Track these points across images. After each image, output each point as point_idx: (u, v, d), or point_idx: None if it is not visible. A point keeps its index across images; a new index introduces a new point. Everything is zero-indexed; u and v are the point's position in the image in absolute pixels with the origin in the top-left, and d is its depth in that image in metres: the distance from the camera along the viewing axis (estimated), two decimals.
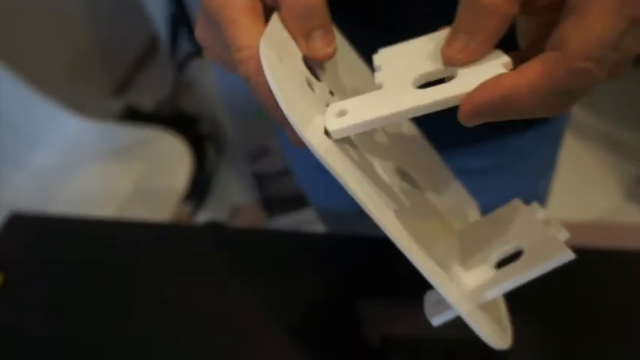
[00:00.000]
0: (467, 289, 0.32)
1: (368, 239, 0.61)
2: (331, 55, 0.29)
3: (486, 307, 0.32)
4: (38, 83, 1.24)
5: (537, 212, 0.35)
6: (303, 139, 0.25)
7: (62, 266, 0.64)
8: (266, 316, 0.56)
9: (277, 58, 0.26)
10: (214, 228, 0.68)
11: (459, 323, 0.31)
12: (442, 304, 0.32)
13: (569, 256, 0.29)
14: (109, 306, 0.60)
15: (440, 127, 0.53)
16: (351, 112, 0.26)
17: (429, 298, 0.34)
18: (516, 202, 0.37)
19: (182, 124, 1.80)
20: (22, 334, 0.58)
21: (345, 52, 0.36)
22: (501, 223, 0.36)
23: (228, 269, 0.61)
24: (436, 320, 0.32)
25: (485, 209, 0.56)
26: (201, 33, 0.31)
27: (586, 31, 0.22)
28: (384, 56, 0.31)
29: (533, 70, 0.23)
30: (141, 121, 1.74)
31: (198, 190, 1.73)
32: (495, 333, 0.31)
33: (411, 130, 0.43)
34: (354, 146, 0.30)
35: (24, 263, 0.66)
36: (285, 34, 0.29)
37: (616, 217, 1.52)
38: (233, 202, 1.75)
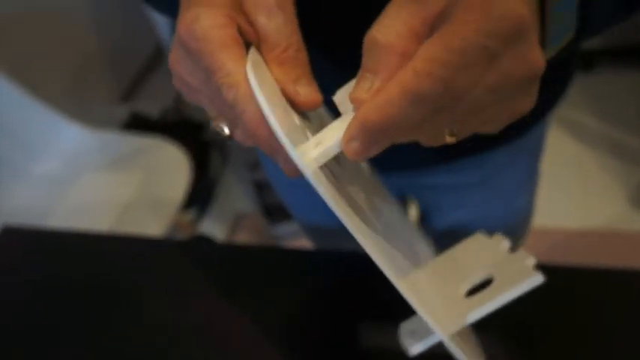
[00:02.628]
0: (444, 314, 0.32)
1: (352, 255, 0.61)
2: (318, 103, 0.30)
3: (461, 335, 0.33)
4: (43, 91, 1.26)
5: (501, 243, 0.36)
6: (295, 160, 0.27)
7: (54, 280, 0.65)
8: (251, 330, 0.56)
9: (261, 85, 0.27)
10: (203, 242, 0.69)
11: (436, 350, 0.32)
12: (417, 333, 0.33)
13: (538, 279, 0.30)
14: (100, 320, 0.60)
15: (417, 145, 0.53)
16: (323, 141, 0.28)
17: (404, 329, 0.35)
18: (479, 235, 0.38)
19: (187, 130, 1.82)
20: (14, 346, 0.59)
21: None
22: (468, 254, 0.37)
23: (215, 283, 0.62)
24: (413, 349, 0.33)
25: (462, 225, 0.56)
26: (174, 61, 0.31)
27: (431, 44, 0.23)
28: (341, 93, 0.33)
29: (389, 85, 0.24)
30: (146, 128, 1.76)
31: (202, 197, 1.74)
32: (472, 356, 0.32)
33: (364, 166, 0.44)
34: (333, 175, 0.31)
35: (16, 277, 0.67)
36: (263, 68, 0.29)
37: (621, 224, 1.50)
38: (236, 209, 1.76)
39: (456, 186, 0.59)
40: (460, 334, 0.32)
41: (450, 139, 0.28)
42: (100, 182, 1.23)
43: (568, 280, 0.57)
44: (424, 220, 0.79)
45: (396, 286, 0.29)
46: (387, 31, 0.25)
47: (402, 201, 0.73)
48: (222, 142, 1.88)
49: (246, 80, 0.27)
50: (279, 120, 0.26)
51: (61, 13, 1.82)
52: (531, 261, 0.32)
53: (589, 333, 0.52)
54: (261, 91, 0.26)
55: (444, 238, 0.75)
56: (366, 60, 0.26)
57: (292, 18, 0.29)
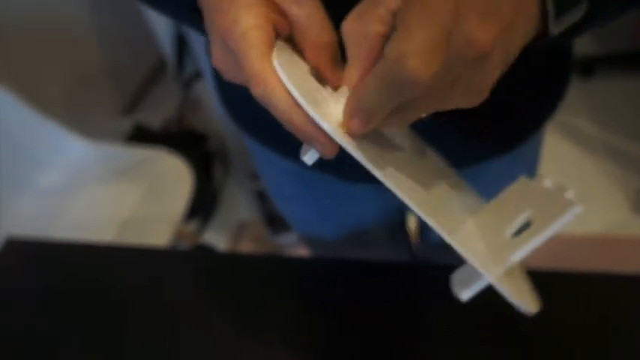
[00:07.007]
0: (490, 257, 0.34)
1: (353, 263, 0.61)
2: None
3: (511, 277, 0.34)
4: (45, 104, 1.27)
5: (543, 182, 0.37)
6: (330, 134, 0.29)
7: (57, 290, 0.66)
8: (254, 338, 0.57)
9: (291, 71, 0.30)
10: (205, 252, 0.70)
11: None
12: (467, 280, 0.34)
13: (577, 210, 0.30)
14: (103, 329, 0.61)
15: None
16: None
17: (454, 278, 0.36)
18: (522, 179, 0.39)
19: (190, 141, 1.83)
20: (16, 354, 0.60)
21: None
22: (513, 198, 0.39)
23: (218, 292, 0.62)
24: (465, 294, 0.34)
25: None
26: (218, 60, 0.34)
27: (398, 41, 0.26)
28: None
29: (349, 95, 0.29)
30: (149, 140, 1.77)
31: (205, 207, 1.75)
32: (524, 297, 0.33)
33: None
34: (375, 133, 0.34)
35: (19, 287, 0.67)
36: (291, 56, 0.32)
37: (621, 229, 1.50)
38: (238, 218, 1.77)
39: None
40: (509, 276, 0.33)
41: (423, 114, 0.30)
42: (103, 194, 1.23)
43: (570, 285, 0.57)
44: (423, 234, 0.80)
45: (445, 239, 0.32)
46: (356, 24, 0.28)
47: (401, 215, 0.74)
48: (225, 153, 1.89)
49: (273, 77, 0.29)
50: (309, 101, 0.29)
51: (63, 26, 1.84)
52: (570, 194, 0.33)
53: (591, 338, 0.52)
54: (290, 79, 0.29)
55: (442, 251, 0.75)
56: (347, 48, 0.29)
57: (319, 4, 0.32)
